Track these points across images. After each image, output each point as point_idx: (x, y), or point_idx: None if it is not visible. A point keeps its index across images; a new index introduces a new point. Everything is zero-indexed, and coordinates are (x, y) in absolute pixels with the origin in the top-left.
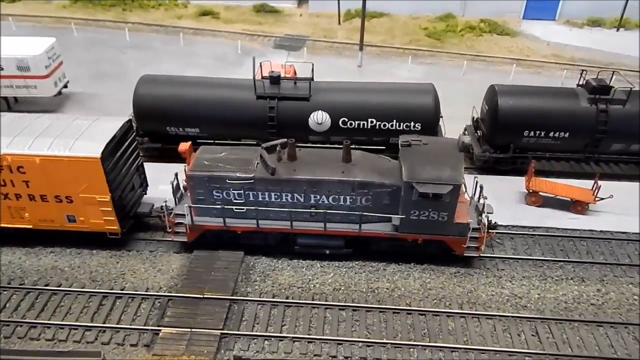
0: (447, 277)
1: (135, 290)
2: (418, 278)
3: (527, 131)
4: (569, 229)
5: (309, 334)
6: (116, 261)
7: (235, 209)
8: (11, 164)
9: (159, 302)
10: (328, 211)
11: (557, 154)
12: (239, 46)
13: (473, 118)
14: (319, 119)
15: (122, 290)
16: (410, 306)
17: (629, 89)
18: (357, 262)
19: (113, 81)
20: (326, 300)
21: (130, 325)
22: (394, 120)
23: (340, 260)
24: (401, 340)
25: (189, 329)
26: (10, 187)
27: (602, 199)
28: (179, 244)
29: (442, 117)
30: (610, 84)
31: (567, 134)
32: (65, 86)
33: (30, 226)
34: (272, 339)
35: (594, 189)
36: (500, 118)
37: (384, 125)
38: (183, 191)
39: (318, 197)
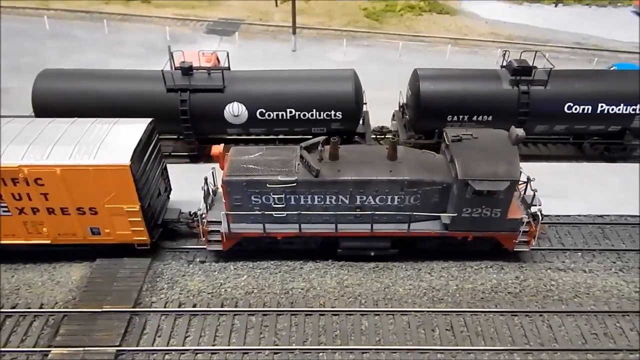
0: (366, 273)
1: (28, 308)
2: (335, 275)
3: (450, 116)
4: None
5: (213, 345)
6: (11, 275)
7: (276, 214)
8: (28, 176)
9: (52, 319)
10: (374, 212)
11: None
12: (168, 32)
13: (399, 103)
14: (235, 110)
15: (12, 308)
16: (324, 306)
17: (549, 69)
18: (272, 262)
19: (29, 75)
20: (236, 306)
21: (18, 347)
22: (314, 110)
23: (254, 260)
24: (311, 344)
25: (82, 348)
26: (27, 201)
27: (523, 182)
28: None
29: (366, 103)
30: (533, 65)
31: (491, 117)
32: None
33: (49, 241)
34: (173, 352)
35: None
36: (422, 103)
37: (304, 115)
38: (213, 196)
39: (364, 198)
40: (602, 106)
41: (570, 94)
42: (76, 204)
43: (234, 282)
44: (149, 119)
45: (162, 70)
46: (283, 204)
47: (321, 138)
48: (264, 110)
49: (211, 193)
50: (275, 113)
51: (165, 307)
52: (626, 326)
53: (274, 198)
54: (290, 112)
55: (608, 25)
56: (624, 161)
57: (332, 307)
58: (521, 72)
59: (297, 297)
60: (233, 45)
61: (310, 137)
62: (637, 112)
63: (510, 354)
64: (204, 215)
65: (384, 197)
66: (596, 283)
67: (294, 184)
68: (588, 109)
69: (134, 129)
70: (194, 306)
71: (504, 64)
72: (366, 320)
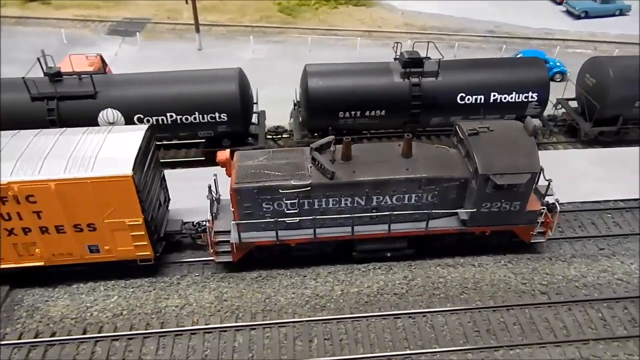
0: (247, 284)
1: None
2: (214, 289)
3: (342, 112)
4: None
5: None
6: None
7: (289, 220)
8: (18, 193)
9: None
10: (391, 212)
11: (382, 132)
12: (64, 35)
13: (294, 101)
14: (110, 117)
15: None
16: (197, 324)
17: (439, 59)
18: (146, 280)
19: None
20: (100, 331)
21: None
22: (196, 113)
23: (127, 279)
24: None
25: None
26: (17, 221)
27: None
28: None
29: (256, 103)
30: (426, 56)
31: (384, 111)
32: None
33: (42, 263)
34: None
35: None
36: (311, 100)
37: (186, 119)
38: (217, 204)
39: (381, 198)
40: (494, 95)
41: (462, 85)
42: (73, 220)
43: (103, 304)
44: (146, 125)
45: (23, 78)
46: (296, 209)
47: (331, 138)
48: (142, 116)
49: (215, 202)
50: (154, 118)
51: (19, 338)
52: (509, 320)
53: (286, 204)
54: (171, 116)
55: (524, 12)
56: None
57: (206, 325)
58: (412, 64)
59: (170, 316)
60: (135, 46)
61: (201, 141)
62: (530, 99)
63: None
64: (210, 226)
65: (401, 196)
66: (484, 277)
67: (308, 188)
68: (481, 98)
69: (131, 137)
70: (53, 335)
71: (397, 55)
72: (241, 336)
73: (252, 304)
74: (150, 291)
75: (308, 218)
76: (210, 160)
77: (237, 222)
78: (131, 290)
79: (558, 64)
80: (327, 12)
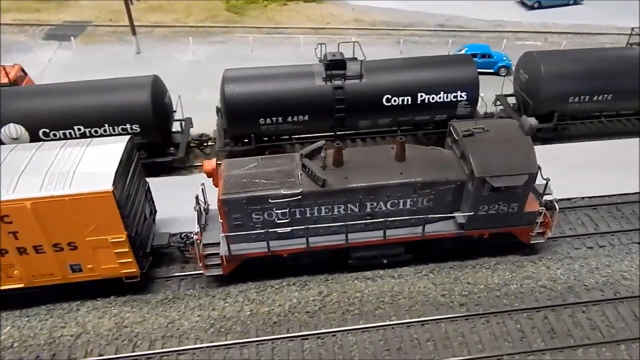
0: (152, 307)
1: None
2: (116, 315)
3: (262, 119)
4: None
5: None
6: None
7: (280, 230)
8: None
9: None
10: (386, 219)
11: (310, 137)
12: None
13: (216, 108)
14: (13, 133)
15: None
16: (90, 355)
17: (361, 60)
18: (44, 306)
19: None
20: None
21: None
22: (106, 125)
23: (22, 307)
24: None
25: None
26: None
27: None
28: None
29: (175, 111)
30: (353, 56)
31: (307, 116)
32: None
33: (22, 285)
34: None
35: None
36: (228, 107)
37: (96, 132)
38: (206, 215)
39: (375, 204)
40: (422, 96)
41: (387, 86)
42: (52, 240)
43: None
44: (127, 137)
45: None
46: (287, 218)
47: (322, 143)
48: (47, 130)
49: (203, 212)
50: (61, 132)
51: None
52: (423, 336)
53: (277, 213)
54: (79, 129)
55: (478, 4)
56: None
57: (100, 355)
58: (334, 66)
59: (63, 347)
60: (71, 51)
61: None
62: (459, 99)
63: None
64: (198, 239)
65: (396, 201)
66: (403, 290)
67: (299, 197)
68: (407, 99)
69: (111, 149)
70: None
71: (321, 57)
72: None
73: (154, 329)
74: (46, 320)
75: (300, 227)
76: None
77: (226, 234)
78: (26, 319)
79: (504, 58)
80: (275, 10)
